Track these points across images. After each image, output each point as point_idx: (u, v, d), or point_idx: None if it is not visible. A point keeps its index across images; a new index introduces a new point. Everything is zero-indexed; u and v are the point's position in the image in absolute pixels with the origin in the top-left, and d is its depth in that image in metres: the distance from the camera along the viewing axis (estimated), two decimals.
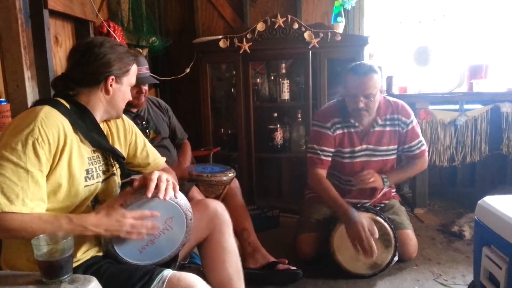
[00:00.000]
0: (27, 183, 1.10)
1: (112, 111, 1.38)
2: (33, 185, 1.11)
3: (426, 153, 2.34)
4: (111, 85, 1.32)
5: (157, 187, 1.23)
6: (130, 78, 1.38)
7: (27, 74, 1.71)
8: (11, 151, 1.10)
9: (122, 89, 1.36)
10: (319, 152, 2.21)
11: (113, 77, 1.31)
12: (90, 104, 1.32)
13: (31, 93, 1.73)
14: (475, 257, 1.60)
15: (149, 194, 1.21)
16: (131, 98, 1.43)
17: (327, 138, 2.22)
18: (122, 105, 1.40)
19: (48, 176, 1.17)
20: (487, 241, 1.50)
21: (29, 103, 1.70)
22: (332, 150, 2.24)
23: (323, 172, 2.22)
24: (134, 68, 1.38)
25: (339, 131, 2.23)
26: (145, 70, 2.17)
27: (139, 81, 2.02)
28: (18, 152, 1.10)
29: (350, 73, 2.13)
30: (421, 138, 2.31)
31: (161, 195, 1.22)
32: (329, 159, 2.24)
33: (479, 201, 1.59)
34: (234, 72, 3.03)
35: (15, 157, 1.09)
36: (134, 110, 2.18)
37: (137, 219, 1.21)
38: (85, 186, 1.26)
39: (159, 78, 2.50)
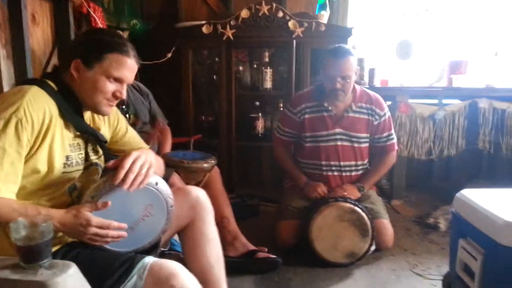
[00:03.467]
0: (1, 163, 1.07)
1: (87, 100, 1.26)
2: (8, 165, 1.08)
3: (396, 148, 2.42)
4: (77, 69, 1.23)
5: (125, 177, 1.16)
6: (106, 67, 1.22)
7: (2, 52, 1.67)
8: None
9: (92, 77, 1.22)
10: (281, 132, 2.43)
11: (78, 60, 1.22)
12: (71, 87, 1.26)
13: (6, 71, 1.70)
14: (451, 248, 1.64)
15: (116, 182, 1.16)
16: (107, 92, 1.25)
17: (291, 122, 2.38)
18: (95, 97, 1.25)
19: (27, 159, 1.13)
20: (464, 233, 1.53)
21: (4, 82, 1.66)
22: (294, 132, 2.40)
23: (284, 149, 2.49)
24: (113, 58, 1.23)
25: (308, 115, 2.33)
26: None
27: None
28: None
29: (328, 56, 2.22)
30: (393, 132, 2.39)
31: (125, 187, 1.16)
32: (290, 139, 2.45)
33: (457, 194, 1.62)
34: (217, 59, 2.99)
35: None
36: None
37: (103, 227, 1.14)
38: (63, 172, 1.22)
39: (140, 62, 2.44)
